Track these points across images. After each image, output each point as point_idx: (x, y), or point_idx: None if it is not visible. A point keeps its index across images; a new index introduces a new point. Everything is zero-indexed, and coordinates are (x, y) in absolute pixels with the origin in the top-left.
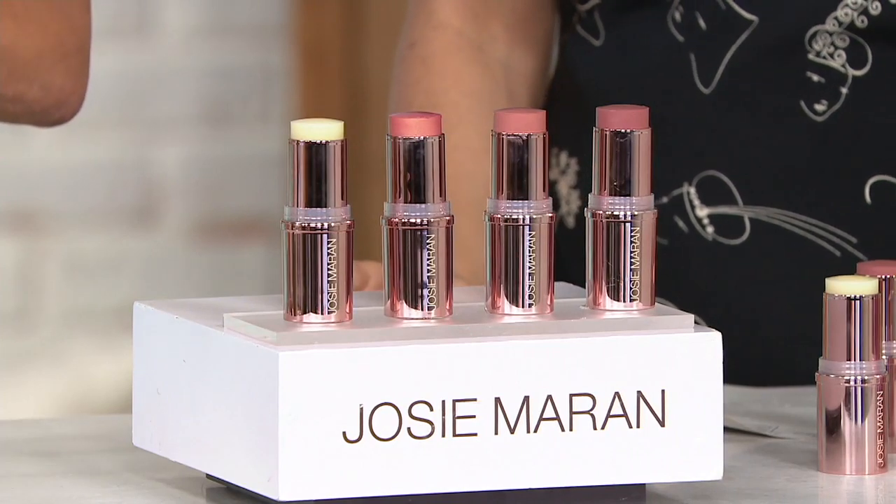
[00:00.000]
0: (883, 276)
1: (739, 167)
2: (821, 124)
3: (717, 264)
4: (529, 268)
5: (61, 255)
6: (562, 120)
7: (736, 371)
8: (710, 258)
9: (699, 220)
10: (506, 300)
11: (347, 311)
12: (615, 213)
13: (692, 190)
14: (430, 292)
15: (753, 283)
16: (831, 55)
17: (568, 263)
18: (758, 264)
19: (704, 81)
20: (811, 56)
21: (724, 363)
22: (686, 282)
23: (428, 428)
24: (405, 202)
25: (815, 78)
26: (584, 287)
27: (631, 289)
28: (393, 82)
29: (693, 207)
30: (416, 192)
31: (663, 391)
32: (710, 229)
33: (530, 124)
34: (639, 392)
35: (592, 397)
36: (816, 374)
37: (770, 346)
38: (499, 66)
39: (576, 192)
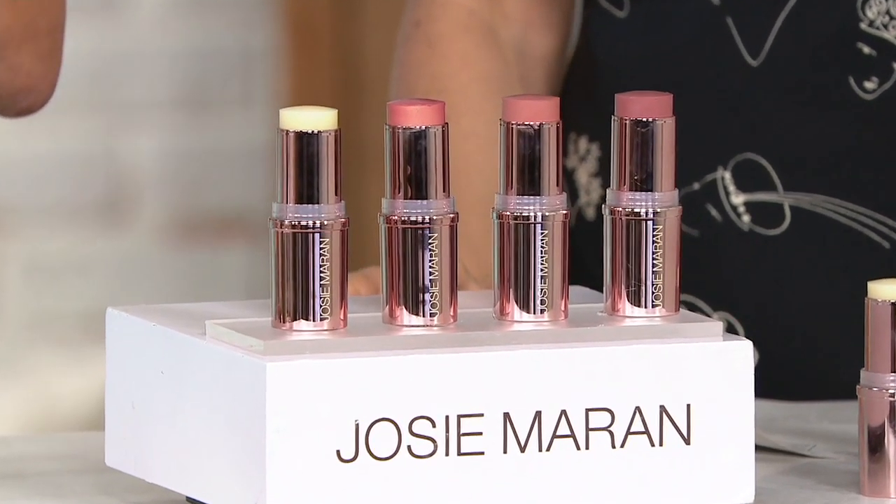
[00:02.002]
0: None
1: (780, 150)
2: (870, 103)
3: (753, 256)
4: (542, 270)
5: (22, 257)
6: (581, 102)
7: (771, 378)
8: (746, 250)
9: (734, 207)
10: (515, 306)
11: (342, 317)
12: (636, 210)
13: (727, 175)
14: (432, 297)
15: (793, 278)
16: (885, 25)
17: (587, 260)
18: (798, 256)
19: (752, 52)
20: (863, 25)
21: (758, 369)
22: (718, 277)
23: (430, 446)
24: (405, 198)
25: (867, 50)
26: (602, 290)
27: (653, 293)
28: (395, 64)
29: (728, 194)
30: (416, 188)
31: (689, 406)
32: (746, 218)
33: (542, 112)
34: (662, 407)
35: (611, 412)
36: (858, 387)
37: (811, 347)
38: (511, 49)
39: (597, 180)
